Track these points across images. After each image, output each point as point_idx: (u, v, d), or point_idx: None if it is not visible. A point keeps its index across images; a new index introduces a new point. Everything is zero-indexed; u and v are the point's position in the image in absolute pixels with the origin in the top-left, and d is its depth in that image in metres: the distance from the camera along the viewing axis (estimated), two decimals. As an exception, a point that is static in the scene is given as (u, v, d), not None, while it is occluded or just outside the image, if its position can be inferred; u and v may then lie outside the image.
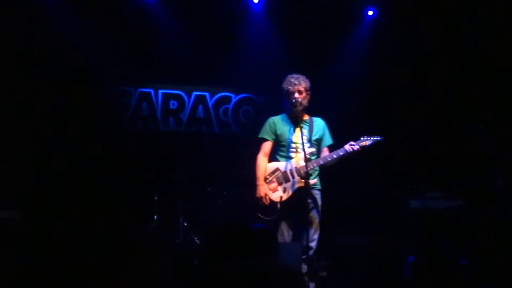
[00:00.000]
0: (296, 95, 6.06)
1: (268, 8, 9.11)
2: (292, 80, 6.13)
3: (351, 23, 9.37)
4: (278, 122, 6.24)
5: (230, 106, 9.50)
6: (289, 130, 6.17)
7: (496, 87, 8.47)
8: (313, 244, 5.92)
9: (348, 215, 8.59)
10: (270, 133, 6.21)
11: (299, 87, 6.10)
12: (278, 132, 6.17)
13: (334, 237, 8.24)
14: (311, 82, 6.28)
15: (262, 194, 5.99)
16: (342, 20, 9.22)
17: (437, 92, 9.02)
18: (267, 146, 6.21)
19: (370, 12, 9.30)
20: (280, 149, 6.18)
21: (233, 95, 9.53)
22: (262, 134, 6.27)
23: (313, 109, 6.33)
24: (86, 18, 8.42)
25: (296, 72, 6.32)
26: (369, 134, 6.08)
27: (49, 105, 8.31)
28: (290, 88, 6.09)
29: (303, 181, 5.91)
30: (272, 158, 6.23)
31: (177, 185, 8.18)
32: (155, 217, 7.96)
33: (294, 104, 6.06)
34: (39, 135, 8.07)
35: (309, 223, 5.95)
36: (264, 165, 6.15)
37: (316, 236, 5.96)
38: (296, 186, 6.00)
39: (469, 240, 6.97)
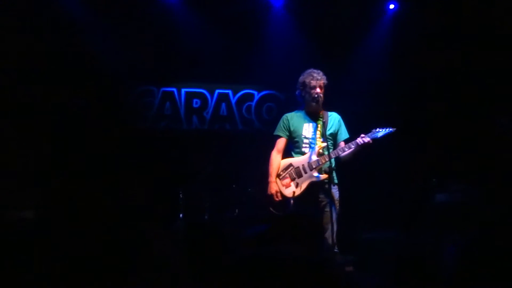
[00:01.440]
0: (318, 90, 6.10)
1: (289, 5, 9.19)
2: (315, 74, 6.15)
3: (372, 17, 9.40)
4: (292, 118, 6.29)
5: (253, 103, 9.58)
6: (303, 125, 6.21)
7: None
8: (332, 238, 5.85)
9: (374, 210, 8.66)
10: (284, 129, 6.27)
11: (320, 82, 6.13)
12: (292, 128, 6.22)
13: (360, 232, 8.27)
14: (333, 77, 6.33)
15: (273, 191, 6.06)
16: (364, 15, 9.27)
17: (461, 84, 9.00)
18: (280, 143, 6.27)
19: (392, 6, 9.32)
20: (294, 145, 6.24)
21: (256, 92, 9.61)
22: (276, 131, 6.34)
23: (334, 105, 6.38)
24: (109, 19, 8.55)
25: (318, 68, 6.34)
26: (381, 126, 6.10)
27: (71, 105, 8.41)
28: (313, 82, 6.12)
29: (315, 175, 6.00)
30: (287, 154, 6.29)
31: (201, 183, 8.26)
32: (181, 215, 8.06)
33: (316, 99, 6.08)
34: (60, 135, 8.21)
35: (325, 217, 5.93)
36: (276, 162, 6.21)
37: (333, 230, 5.86)
38: (309, 181, 6.06)
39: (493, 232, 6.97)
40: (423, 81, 9.20)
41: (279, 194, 6.07)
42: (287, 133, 6.27)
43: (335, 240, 5.88)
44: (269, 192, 6.09)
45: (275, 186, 6.10)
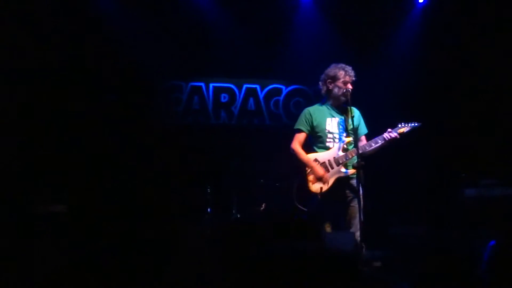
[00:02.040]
0: (350, 85, 6.14)
1: (318, -1, 9.18)
2: (347, 70, 6.21)
3: (401, 11, 9.40)
4: (315, 113, 6.30)
5: (281, 98, 9.59)
6: (326, 120, 6.22)
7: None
8: (358, 233, 5.91)
9: (403, 204, 8.64)
10: (306, 124, 6.28)
11: (352, 78, 6.19)
12: (315, 123, 6.23)
13: (388, 227, 8.26)
14: (360, 72, 6.36)
15: (321, 172, 6.05)
16: (392, 9, 9.26)
17: (490, 78, 8.95)
18: (301, 137, 6.28)
19: (421, 0, 9.29)
20: (317, 139, 6.24)
21: (283, 87, 9.61)
22: (298, 125, 6.33)
23: (361, 100, 6.41)
24: (137, 13, 8.60)
25: (346, 63, 6.38)
26: (407, 121, 6.13)
27: (100, 101, 8.51)
28: (347, 77, 6.17)
29: (343, 171, 6.03)
30: (309, 150, 6.30)
31: (229, 178, 8.29)
32: (209, 210, 8.11)
33: (346, 94, 6.11)
34: (90, 130, 8.26)
35: (352, 212, 6.01)
36: (303, 152, 6.22)
37: (359, 225, 5.89)
38: (336, 176, 6.07)
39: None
40: (453, 75, 9.15)
41: (327, 175, 6.06)
42: (309, 128, 6.28)
43: (361, 236, 5.89)
44: (318, 175, 6.05)
45: (319, 168, 6.07)
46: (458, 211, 7.78)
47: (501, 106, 8.84)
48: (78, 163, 8.10)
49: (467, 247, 6.13)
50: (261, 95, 9.55)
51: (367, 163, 6.05)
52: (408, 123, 6.10)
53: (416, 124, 6.11)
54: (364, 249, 5.79)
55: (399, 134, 6.01)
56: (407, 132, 6.08)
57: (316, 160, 6.16)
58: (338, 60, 6.47)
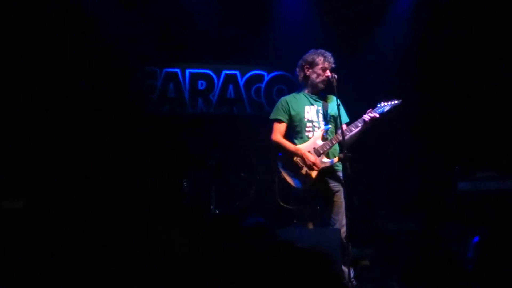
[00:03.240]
0: (329, 73, 5.88)
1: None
2: (327, 56, 5.96)
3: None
4: (292, 101, 6.03)
5: (263, 85, 9.33)
6: (304, 108, 5.97)
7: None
8: (344, 229, 5.66)
9: (393, 199, 8.50)
10: (284, 113, 5.99)
11: (332, 64, 5.95)
12: (293, 113, 5.95)
13: (378, 223, 8.11)
14: (345, 58, 6.18)
15: (312, 159, 5.75)
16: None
17: (487, 67, 8.74)
18: (282, 127, 5.98)
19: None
20: (295, 130, 5.96)
21: (265, 73, 9.36)
22: (275, 115, 6.04)
23: (345, 87, 6.12)
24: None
25: (331, 47, 6.18)
26: (386, 100, 5.88)
27: (71, 87, 8.28)
28: (326, 64, 5.93)
29: (324, 161, 5.77)
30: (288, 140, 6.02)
31: (207, 171, 8.04)
32: (185, 204, 7.87)
33: (326, 82, 5.90)
34: (59, 118, 8.03)
35: (338, 207, 5.77)
36: (286, 140, 5.94)
37: (345, 220, 5.69)
38: (319, 167, 5.78)
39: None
40: (448, 64, 8.96)
41: (318, 161, 5.77)
42: (287, 117, 5.97)
43: (346, 232, 5.65)
44: (308, 163, 5.73)
45: (309, 155, 5.77)
46: (452, 205, 7.62)
47: (498, 95, 8.65)
48: (46, 153, 7.91)
49: (459, 242, 5.95)
50: (241, 82, 9.29)
51: (355, 155, 5.78)
52: (387, 101, 5.87)
53: (396, 101, 5.88)
54: (350, 247, 5.53)
55: (380, 114, 5.76)
56: (388, 110, 5.83)
57: (296, 153, 5.86)
58: (323, 45, 6.24)
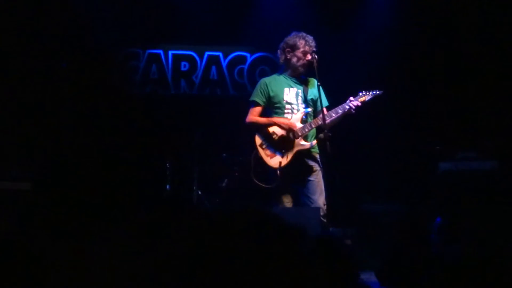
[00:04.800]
0: (309, 56, 5.96)
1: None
2: (308, 39, 6.04)
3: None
4: (271, 83, 6.11)
5: (246, 66, 9.35)
6: (284, 90, 6.05)
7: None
8: (324, 208, 5.82)
9: (375, 180, 8.56)
10: (262, 95, 6.08)
11: (313, 48, 6.02)
12: (272, 94, 6.03)
13: (359, 203, 8.19)
14: (327, 40, 6.23)
15: (287, 121, 5.89)
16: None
17: (468, 49, 8.80)
18: (257, 110, 6.08)
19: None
20: (275, 111, 6.05)
21: (248, 55, 9.37)
22: (253, 97, 6.15)
23: (325, 71, 6.22)
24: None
25: (314, 29, 6.35)
26: (368, 89, 6.00)
27: (52, 68, 8.26)
28: (307, 47, 6.00)
29: (302, 143, 5.87)
30: None
31: (190, 152, 8.09)
32: (168, 186, 7.93)
33: (307, 65, 6.00)
34: (44, 101, 8.05)
35: (315, 187, 5.88)
36: (259, 117, 6.05)
37: (323, 200, 5.85)
38: (296, 149, 5.90)
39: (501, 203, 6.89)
40: (430, 46, 9.01)
41: (297, 129, 5.87)
42: (264, 100, 6.07)
43: (324, 212, 5.81)
44: (285, 125, 5.89)
45: (283, 119, 5.92)
46: (432, 185, 7.70)
47: (478, 77, 8.70)
48: (34, 137, 7.92)
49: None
50: (224, 63, 9.31)
51: (337, 135, 5.91)
52: (369, 91, 5.99)
53: (377, 92, 6.01)
54: (328, 227, 5.67)
55: (361, 102, 5.87)
56: (369, 100, 5.97)
57: (274, 133, 5.96)
58: (305, 27, 6.35)
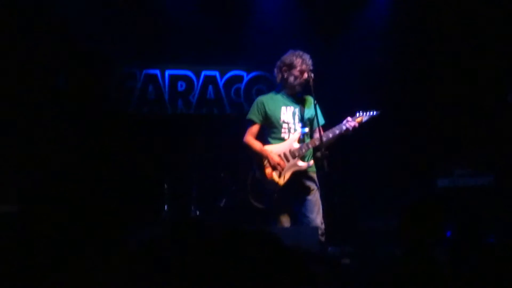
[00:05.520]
0: (306, 75, 5.97)
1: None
2: (305, 58, 6.03)
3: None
4: (268, 102, 6.11)
5: (242, 85, 9.34)
6: (281, 109, 6.05)
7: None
8: (322, 227, 5.83)
9: (373, 197, 8.56)
10: (258, 114, 6.07)
11: (310, 66, 6.01)
12: (269, 113, 6.03)
13: (358, 221, 8.19)
14: (326, 58, 6.23)
15: (277, 159, 5.88)
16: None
17: (463, 64, 8.83)
18: (254, 129, 6.08)
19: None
20: (272, 130, 6.06)
21: (245, 74, 9.37)
22: (250, 116, 6.14)
23: (322, 89, 6.21)
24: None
25: (310, 47, 6.30)
26: (364, 109, 6.02)
27: (49, 88, 8.28)
28: (304, 66, 5.99)
29: (299, 164, 5.88)
30: (263, 142, 6.11)
31: (188, 171, 8.13)
32: (166, 207, 7.93)
33: (304, 83, 6.00)
34: (37, 120, 8.05)
35: (313, 206, 5.88)
36: (257, 141, 6.05)
37: (320, 219, 5.86)
38: (293, 170, 5.91)
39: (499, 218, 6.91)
40: (424, 62, 9.05)
41: (283, 163, 5.89)
42: (261, 118, 6.06)
43: (322, 231, 5.82)
44: (273, 163, 5.88)
45: (274, 155, 5.89)
46: (431, 202, 7.69)
47: (475, 93, 8.72)
48: (25, 155, 7.91)
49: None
50: (220, 83, 9.30)
51: (332, 154, 5.92)
52: (366, 112, 6.02)
53: (375, 113, 6.03)
54: (327, 246, 5.68)
55: (358, 123, 5.89)
56: (366, 121, 5.99)
57: (271, 152, 5.96)
58: (301, 46, 6.34)
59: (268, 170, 5.91)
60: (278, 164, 5.84)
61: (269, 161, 5.89)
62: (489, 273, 2.64)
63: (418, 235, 3.46)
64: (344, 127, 5.87)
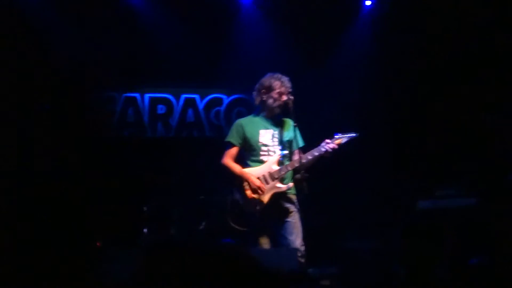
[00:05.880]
0: (285, 97, 5.99)
1: (260, 2, 9.05)
2: (284, 80, 6.07)
3: (348, 16, 9.30)
4: (247, 125, 6.15)
5: (222, 108, 9.36)
6: (259, 132, 6.07)
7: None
8: (302, 249, 5.81)
9: (353, 218, 8.52)
10: (237, 137, 6.10)
11: (289, 89, 6.04)
12: (248, 135, 6.05)
13: (338, 242, 8.17)
14: (308, 78, 6.22)
15: (257, 182, 5.86)
16: (339, 13, 9.13)
17: (445, 83, 8.89)
18: (233, 151, 6.10)
19: (368, 2, 9.18)
20: (251, 153, 6.07)
21: (225, 97, 9.39)
22: (229, 138, 6.16)
23: (303, 111, 6.28)
24: (67, 19, 8.38)
25: (291, 70, 6.37)
26: (344, 131, 6.02)
27: (31, 110, 8.25)
28: (283, 89, 6.03)
29: (279, 186, 5.87)
30: (242, 164, 6.11)
31: (167, 194, 8.12)
32: (145, 230, 7.88)
33: (282, 106, 6.03)
34: (20, 142, 8.02)
35: (292, 228, 5.87)
36: (235, 164, 6.05)
37: (300, 241, 5.85)
38: (272, 192, 5.90)
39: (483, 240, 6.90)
40: (405, 81, 9.08)
41: (263, 187, 5.87)
42: (240, 141, 6.08)
43: (301, 252, 5.79)
44: (253, 186, 5.86)
45: (254, 178, 5.88)
46: (412, 223, 7.69)
47: (457, 112, 8.76)
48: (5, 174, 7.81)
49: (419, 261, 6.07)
50: (200, 106, 9.31)
51: (312, 175, 5.91)
52: (345, 134, 6.00)
53: (354, 135, 6.02)
54: (306, 268, 5.67)
55: (337, 145, 5.88)
56: (345, 143, 5.98)
57: (250, 175, 5.96)
58: (282, 68, 6.38)
59: (249, 193, 5.89)
60: (259, 187, 5.82)
61: (249, 184, 5.87)
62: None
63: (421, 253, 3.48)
64: (323, 149, 5.87)
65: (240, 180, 5.96)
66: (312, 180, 5.86)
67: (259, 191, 5.83)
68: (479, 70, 8.57)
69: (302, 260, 5.76)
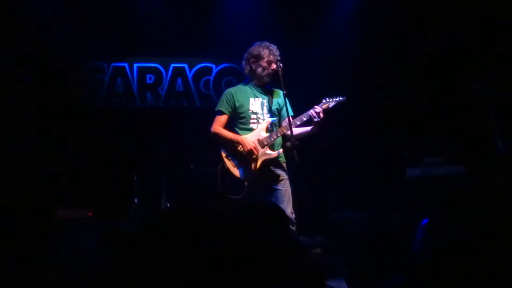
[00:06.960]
0: (274, 66, 5.94)
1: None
2: (272, 49, 5.98)
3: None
4: (237, 93, 6.07)
5: (211, 77, 9.33)
6: (249, 100, 6.02)
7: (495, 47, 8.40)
8: (293, 217, 5.78)
9: (343, 187, 8.56)
10: (227, 105, 6.02)
11: (277, 57, 5.97)
12: (237, 104, 5.99)
13: (328, 211, 8.20)
14: (294, 49, 6.19)
15: (251, 145, 5.81)
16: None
17: (432, 53, 8.89)
18: (222, 119, 6.01)
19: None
20: (240, 121, 6.01)
21: (214, 66, 9.36)
22: (219, 107, 6.08)
23: (290, 79, 6.20)
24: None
25: (278, 38, 6.26)
26: (331, 96, 5.99)
27: (15, 83, 8.20)
28: (272, 57, 5.95)
29: (269, 153, 5.86)
30: (230, 131, 6.06)
31: (158, 164, 8.06)
32: (136, 200, 7.89)
33: (273, 74, 5.95)
34: (4, 116, 7.98)
35: (283, 196, 5.84)
36: (225, 130, 6.00)
37: (291, 209, 5.81)
38: (263, 159, 5.88)
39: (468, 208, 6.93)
40: (393, 51, 9.07)
41: (257, 147, 5.85)
42: (230, 110, 6.00)
43: (294, 219, 5.77)
44: (247, 149, 5.80)
45: (247, 140, 5.83)
46: (400, 191, 7.73)
47: (443, 81, 8.79)
48: None
49: (408, 229, 6.10)
50: (189, 75, 9.27)
51: (302, 143, 5.90)
52: (333, 98, 5.96)
53: (341, 98, 5.97)
54: (297, 236, 5.67)
55: (324, 109, 5.87)
56: (333, 106, 5.92)
57: (239, 143, 5.92)
58: (270, 36, 6.31)
59: (242, 156, 5.88)
60: (254, 148, 5.81)
61: (243, 147, 5.85)
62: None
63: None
64: (311, 113, 5.85)
65: (232, 145, 5.93)
66: (301, 148, 5.80)
67: (253, 154, 5.82)
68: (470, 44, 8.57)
69: (293, 229, 5.76)
